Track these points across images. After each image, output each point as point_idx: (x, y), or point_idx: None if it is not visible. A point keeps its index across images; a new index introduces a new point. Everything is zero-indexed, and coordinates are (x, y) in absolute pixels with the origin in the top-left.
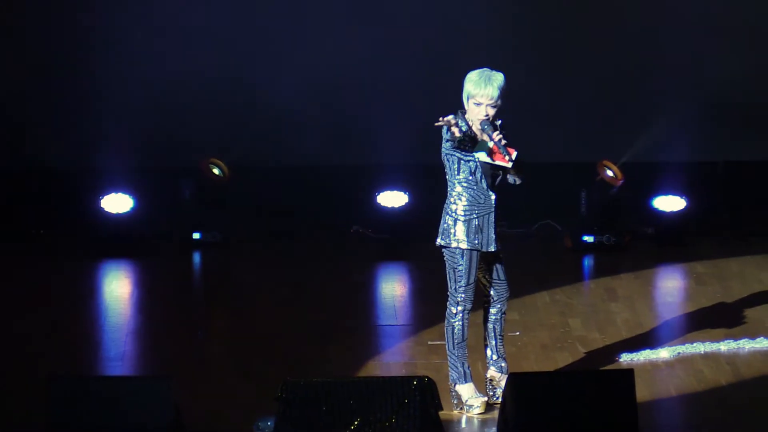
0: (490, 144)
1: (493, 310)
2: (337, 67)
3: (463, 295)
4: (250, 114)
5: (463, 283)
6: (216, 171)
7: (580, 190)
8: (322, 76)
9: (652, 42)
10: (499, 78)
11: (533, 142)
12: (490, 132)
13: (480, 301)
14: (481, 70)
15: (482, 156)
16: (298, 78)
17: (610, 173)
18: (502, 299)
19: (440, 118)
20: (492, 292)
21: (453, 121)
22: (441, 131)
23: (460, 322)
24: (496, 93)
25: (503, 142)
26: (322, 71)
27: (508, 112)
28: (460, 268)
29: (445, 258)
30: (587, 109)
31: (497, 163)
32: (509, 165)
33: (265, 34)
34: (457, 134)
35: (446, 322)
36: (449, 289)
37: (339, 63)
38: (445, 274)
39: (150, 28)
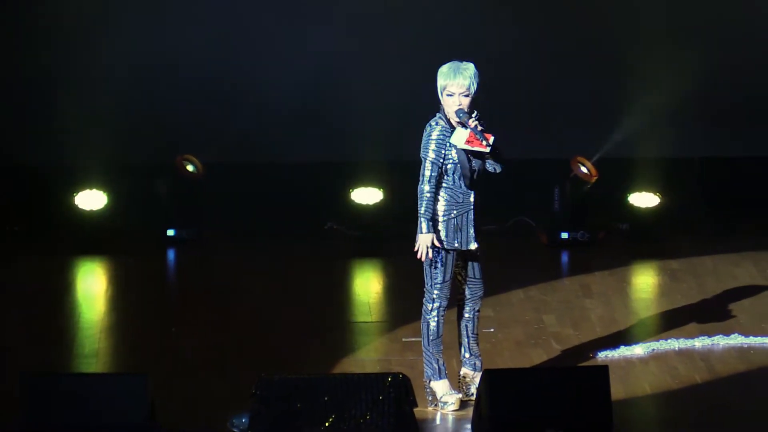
0: (467, 131)
1: (466, 309)
2: (312, 64)
3: (438, 292)
4: (225, 111)
5: (439, 280)
6: (190, 168)
7: (553, 187)
8: (297, 73)
9: (627, 38)
10: (469, 68)
11: (507, 138)
12: (465, 120)
13: (455, 299)
14: (452, 62)
15: (460, 143)
16: (273, 75)
17: (584, 169)
18: (475, 298)
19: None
20: (466, 291)
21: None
22: (423, 131)
23: (436, 319)
24: (467, 82)
25: (480, 128)
26: (297, 68)
27: (483, 108)
28: (436, 266)
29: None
30: (561, 105)
31: (475, 149)
32: (487, 150)
33: (240, 32)
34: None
35: (422, 318)
36: (425, 286)
37: (314, 59)
38: (422, 270)
39: (125, 26)
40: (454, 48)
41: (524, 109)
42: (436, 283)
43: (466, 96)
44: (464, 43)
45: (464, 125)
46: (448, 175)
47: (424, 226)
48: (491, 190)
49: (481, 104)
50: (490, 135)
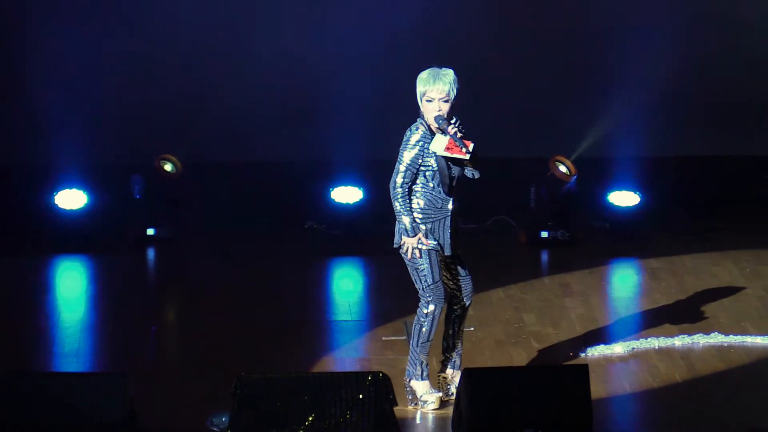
0: (447, 138)
1: (456, 306)
2: (292, 62)
3: (433, 294)
4: (204, 110)
5: (429, 281)
6: (168, 167)
7: (530, 186)
8: (276, 72)
9: (605, 37)
10: (449, 74)
11: (486, 138)
12: (445, 126)
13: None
14: (431, 68)
15: (439, 150)
16: (251, 73)
17: (563, 169)
18: (466, 294)
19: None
20: (455, 288)
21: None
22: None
23: (429, 323)
24: (446, 87)
25: (459, 135)
26: (277, 66)
27: (461, 107)
28: (422, 267)
29: (404, 260)
30: (539, 104)
31: (455, 156)
32: (467, 157)
33: (217, 30)
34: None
35: (416, 319)
36: (419, 290)
37: (293, 58)
38: (410, 277)
39: (101, 24)
40: (433, 48)
41: (503, 108)
42: (427, 286)
43: (446, 101)
44: (442, 43)
45: (444, 132)
46: (427, 181)
47: (408, 227)
48: (471, 190)
49: (460, 104)
50: (469, 142)
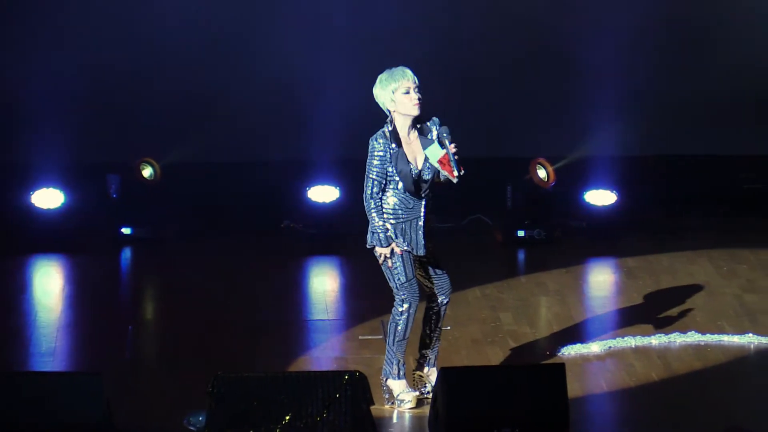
0: (443, 151)
1: (434, 304)
2: (267, 62)
3: (406, 293)
4: (180, 110)
5: (402, 279)
6: (147, 172)
7: (506, 185)
8: (251, 71)
9: (580, 36)
10: (406, 68)
11: (464, 136)
12: (447, 141)
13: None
14: (386, 70)
15: (432, 159)
16: (227, 73)
17: (542, 173)
18: (443, 291)
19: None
20: (431, 286)
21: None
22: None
23: (404, 321)
24: (414, 76)
25: (456, 157)
26: (252, 66)
27: (442, 107)
28: (395, 266)
29: (377, 259)
30: (517, 104)
31: (444, 173)
32: (455, 180)
33: (198, 33)
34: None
35: (391, 318)
36: (393, 289)
37: (268, 57)
38: (383, 275)
39: (82, 22)
40: (407, 48)
41: (480, 107)
42: (401, 285)
43: (420, 90)
44: (416, 43)
45: (441, 144)
46: (396, 186)
47: (381, 237)
48: (447, 189)
49: (436, 103)
50: (462, 168)
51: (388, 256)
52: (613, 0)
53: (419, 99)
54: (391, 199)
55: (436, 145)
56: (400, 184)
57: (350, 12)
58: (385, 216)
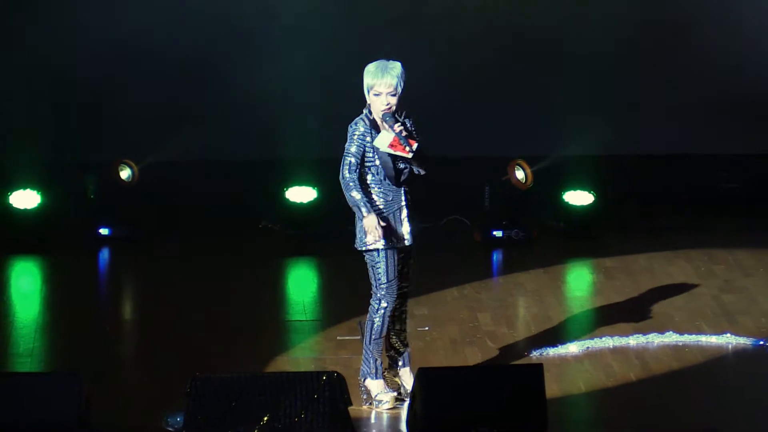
0: (392, 135)
1: (400, 303)
2: (245, 61)
3: (384, 292)
4: (156, 109)
5: (384, 280)
6: (125, 174)
7: (484, 185)
8: (228, 72)
9: (558, 37)
10: (396, 67)
11: (442, 136)
12: (391, 123)
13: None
14: (378, 61)
15: (383, 147)
16: (204, 72)
17: (520, 175)
18: (405, 296)
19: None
20: (404, 286)
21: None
22: (347, 130)
23: (381, 318)
24: (394, 81)
25: (404, 133)
26: (229, 65)
27: (418, 107)
28: (379, 267)
29: (365, 259)
30: (496, 103)
31: (398, 153)
32: (409, 156)
33: (170, 31)
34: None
35: (368, 316)
36: (372, 287)
37: (246, 57)
38: (362, 275)
39: (58, 22)
40: (386, 47)
41: (458, 107)
42: (381, 284)
43: (393, 95)
44: (397, 39)
45: (390, 128)
46: (374, 176)
47: (363, 210)
48: (426, 189)
49: (412, 103)
50: (413, 141)
51: (376, 226)
52: (589, 1)
53: (388, 105)
54: (371, 198)
55: (382, 133)
56: (381, 173)
57: (325, 12)
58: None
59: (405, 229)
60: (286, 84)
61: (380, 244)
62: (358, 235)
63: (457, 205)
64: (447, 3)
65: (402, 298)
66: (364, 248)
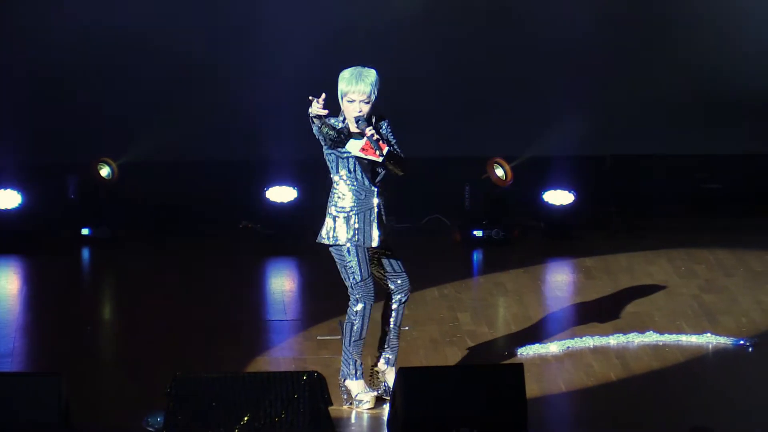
0: (363, 140)
1: (392, 300)
2: (224, 61)
3: (361, 292)
4: (136, 109)
5: (357, 278)
6: (105, 172)
7: (464, 185)
8: (207, 70)
9: (538, 36)
10: (371, 74)
11: (420, 136)
12: (363, 127)
13: (383, 296)
14: (353, 67)
15: (354, 151)
16: (184, 73)
17: (500, 172)
18: (402, 290)
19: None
20: (390, 284)
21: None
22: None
23: (360, 320)
24: (368, 89)
25: (375, 137)
26: (207, 64)
27: (402, 108)
28: (349, 264)
29: (333, 257)
30: (475, 103)
31: (368, 157)
32: (379, 159)
33: (155, 32)
34: (325, 129)
35: (347, 318)
36: (348, 288)
37: (226, 58)
38: (339, 274)
39: (36, 22)
40: (368, 47)
41: (437, 107)
42: (355, 284)
43: (367, 103)
44: (378, 40)
45: (362, 132)
46: (350, 172)
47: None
48: (406, 189)
49: (390, 103)
50: (384, 145)
51: (317, 106)
52: (570, 1)
53: (360, 112)
54: (343, 192)
55: (355, 138)
56: (353, 175)
57: (303, 13)
58: (337, 209)
59: (374, 232)
60: (267, 84)
61: (343, 240)
62: (321, 230)
63: (437, 206)
64: (427, 5)
65: (402, 291)
66: (325, 241)
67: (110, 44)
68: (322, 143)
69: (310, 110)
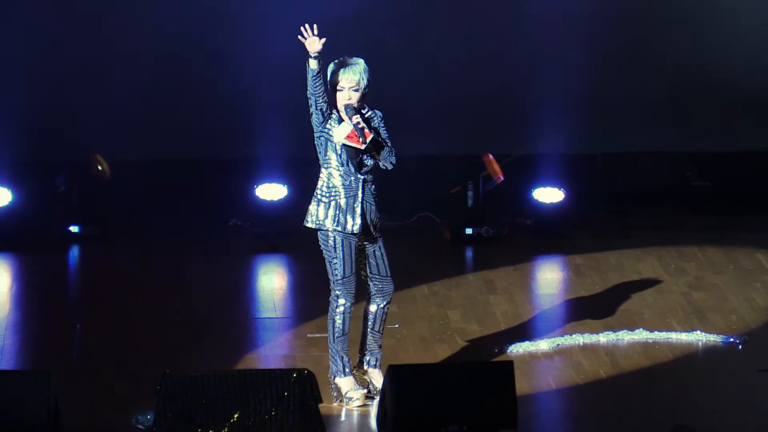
0: (350, 127)
1: (371, 305)
2: (213, 59)
3: (341, 289)
4: (126, 107)
5: (339, 275)
6: (100, 167)
7: (465, 183)
8: (197, 68)
9: (527, 35)
10: (359, 63)
11: (412, 134)
12: (350, 115)
13: (365, 295)
14: (341, 58)
15: (339, 138)
16: (174, 70)
17: (496, 166)
18: (383, 294)
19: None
20: (373, 287)
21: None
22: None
23: (341, 317)
24: (357, 77)
25: (360, 125)
26: (197, 63)
27: (391, 105)
28: (335, 260)
29: (320, 247)
30: (466, 102)
31: (351, 144)
32: (362, 147)
33: (140, 28)
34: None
35: (329, 315)
36: (330, 283)
37: (215, 55)
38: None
39: (29, 20)
40: (361, 43)
41: (428, 106)
42: (337, 280)
43: (356, 90)
44: (369, 39)
45: (348, 119)
46: (337, 156)
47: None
48: (397, 186)
49: (384, 101)
50: (369, 133)
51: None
52: (559, 1)
53: (349, 100)
54: (329, 175)
55: (341, 125)
56: (338, 160)
57: (293, 9)
58: (322, 192)
59: (357, 218)
60: (257, 81)
61: (328, 223)
62: (307, 213)
63: (427, 203)
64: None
65: (383, 296)
66: (310, 224)
67: (99, 43)
68: (311, 90)
69: (307, 45)
